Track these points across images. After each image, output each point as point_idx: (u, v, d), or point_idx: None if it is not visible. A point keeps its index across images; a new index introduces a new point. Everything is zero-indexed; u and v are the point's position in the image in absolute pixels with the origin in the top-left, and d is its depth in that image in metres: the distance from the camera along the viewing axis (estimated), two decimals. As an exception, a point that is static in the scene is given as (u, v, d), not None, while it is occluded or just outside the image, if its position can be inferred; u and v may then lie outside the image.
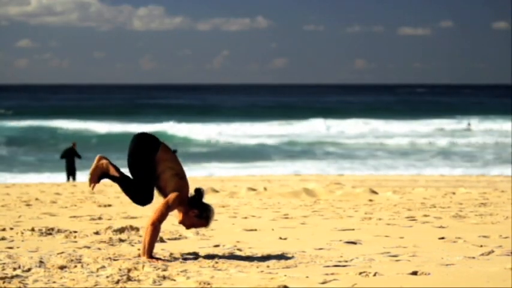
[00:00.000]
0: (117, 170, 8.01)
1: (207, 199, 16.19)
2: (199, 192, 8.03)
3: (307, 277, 6.99)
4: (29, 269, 7.29)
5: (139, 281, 6.87)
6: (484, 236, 9.99)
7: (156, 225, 7.82)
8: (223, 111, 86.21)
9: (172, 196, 7.86)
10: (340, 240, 9.60)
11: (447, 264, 7.69)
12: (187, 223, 8.03)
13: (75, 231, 10.20)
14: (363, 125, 63.89)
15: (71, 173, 29.10)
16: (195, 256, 8.17)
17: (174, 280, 6.91)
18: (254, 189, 18.04)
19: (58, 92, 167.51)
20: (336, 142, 51.97)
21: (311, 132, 59.84)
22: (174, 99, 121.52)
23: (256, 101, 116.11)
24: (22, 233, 10.15)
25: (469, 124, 64.11)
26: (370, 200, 15.97)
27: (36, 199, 16.39)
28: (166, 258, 8.06)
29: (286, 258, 8.14)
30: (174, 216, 8.44)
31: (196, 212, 7.98)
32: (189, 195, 8.01)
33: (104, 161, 8.00)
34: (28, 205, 14.91)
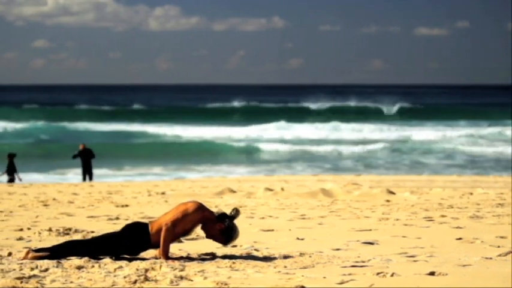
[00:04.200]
0: (54, 249, 7.95)
1: (224, 200, 16.23)
2: (236, 211, 8.14)
3: (324, 277, 6.99)
4: (47, 269, 7.31)
5: (156, 281, 6.88)
6: (502, 237, 9.95)
7: (168, 227, 7.86)
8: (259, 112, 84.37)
9: (191, 204, 8.00)
10: (358, 241, 9.58)
11: (464, 265, 7.67)
12: (209, 232, 8.11)
13: (93, 231, 10.23)
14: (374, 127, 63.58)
15: (88, 172, 29.23)
16: (212, 256, 8.18)
17: (192, 280, 6.91)
18: (271, 190, 18.03)
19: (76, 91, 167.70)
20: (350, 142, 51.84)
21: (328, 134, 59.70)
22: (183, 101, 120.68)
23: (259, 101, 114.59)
24: (39, 233, 10.20)
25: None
26: (388, 201, 15.93)
27: (54, 199, 16.45)
28: (183, 258, 8.07)
29: (303, 258, 8.13)
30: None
31: (223, 227, 8.05)
32: (223, 212, 8.13)
33: (30, 255, 7.90)
34: (45, 205, 14.97)
